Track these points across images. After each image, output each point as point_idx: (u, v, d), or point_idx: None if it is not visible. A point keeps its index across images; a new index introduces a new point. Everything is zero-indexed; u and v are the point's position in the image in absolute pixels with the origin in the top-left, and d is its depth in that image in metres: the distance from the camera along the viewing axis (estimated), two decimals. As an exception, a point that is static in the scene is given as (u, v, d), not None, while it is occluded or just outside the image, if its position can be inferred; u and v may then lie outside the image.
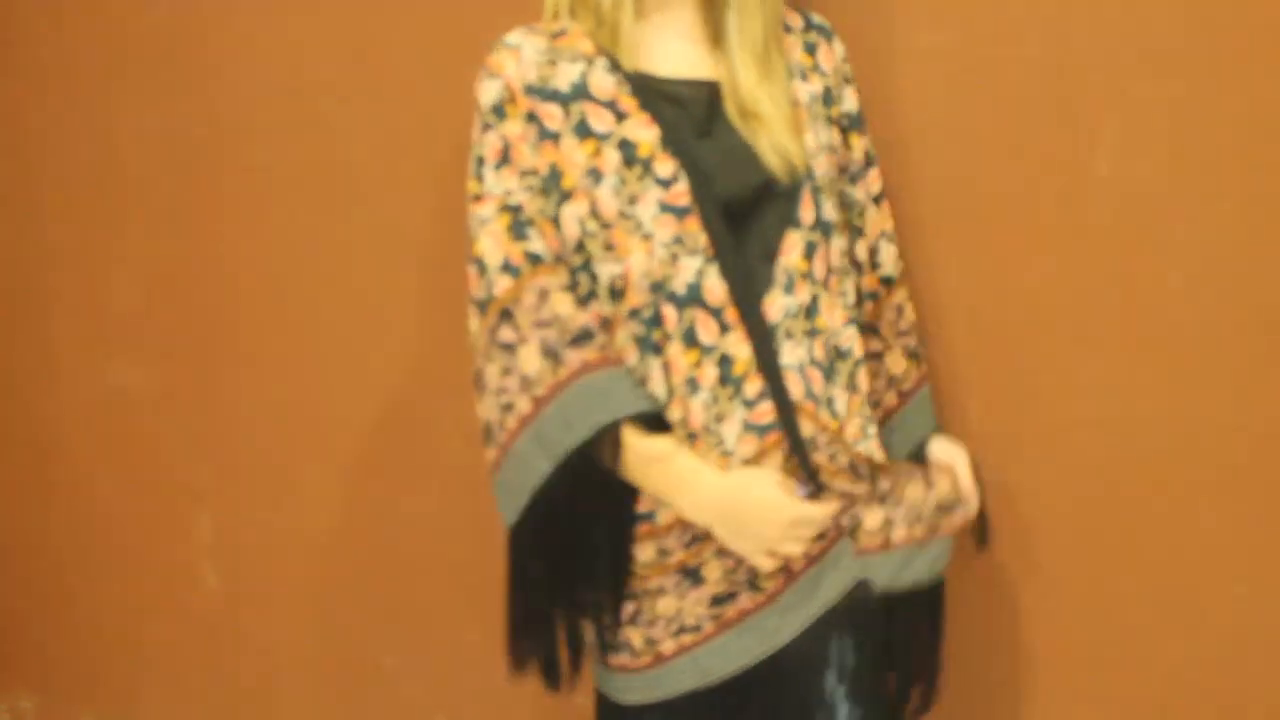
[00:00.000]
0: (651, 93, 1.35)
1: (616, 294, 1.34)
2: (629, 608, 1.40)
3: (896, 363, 1.54)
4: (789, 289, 1.35)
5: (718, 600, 1.38)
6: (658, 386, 1.34)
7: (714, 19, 1.39)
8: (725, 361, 1.33)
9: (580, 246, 1.34)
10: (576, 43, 1.36)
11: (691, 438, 1.34)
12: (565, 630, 1.43)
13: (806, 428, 1.36)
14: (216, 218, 2.03)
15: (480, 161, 1.36)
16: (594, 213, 1.32)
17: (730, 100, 1.37)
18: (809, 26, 1.46)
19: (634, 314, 1.34)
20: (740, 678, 1.39)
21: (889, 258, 1.54)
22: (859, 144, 1.49)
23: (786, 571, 1.38)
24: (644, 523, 1.37)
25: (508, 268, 1.33)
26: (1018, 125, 1.63)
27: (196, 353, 2.08)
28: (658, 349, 1.34)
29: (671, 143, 1.33)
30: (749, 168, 1.35)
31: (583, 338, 1.32)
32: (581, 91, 1.34)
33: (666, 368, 1.34)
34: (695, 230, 1.32)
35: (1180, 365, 1.62)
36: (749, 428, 1.34)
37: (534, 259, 1.33)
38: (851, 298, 1.44)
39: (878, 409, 1.52)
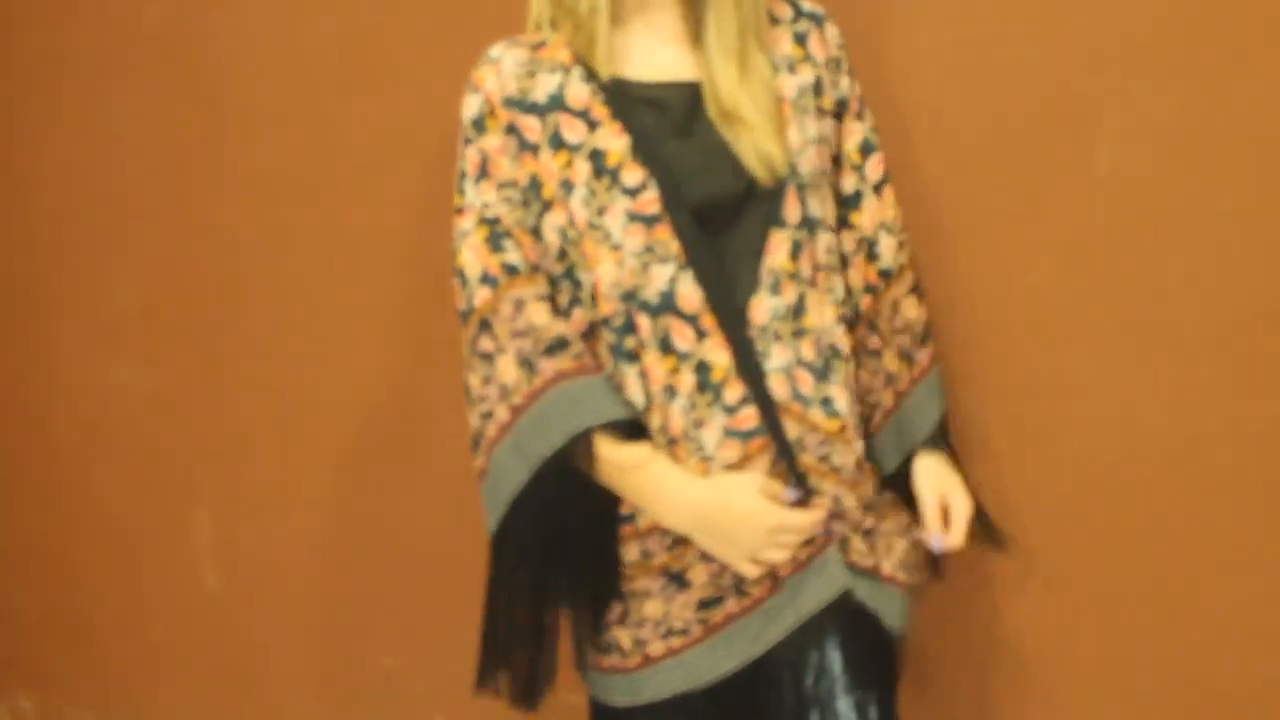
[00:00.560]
0: (628, 99, 1.35)
1: (590, 302, 1.35)
2: (617, 608, 1.40)
3: (891, 361, 1.51)
4: (775, 290, 1.35)
5: (705, 604, 1.38)
6: (635, 393, 1.35)
7: (694, 19, 1.39)
8: (703, 368, 1.33)
9: (563, 254, 1.35)
10: (556, 53, 1.37)
11: (671, 444, 1.34)
12: (537, 645, 1.42)
13: (792, 430, 1.35)
14: (216, 218, 2.03)
15: (463, 175, 1.38)
16: (571, 222, 1.34)
17: (711, 102, 1.36)
18: (799, 15, 1.44)
19: (605, 322, 1.35)
20: (727, 681, 1.38)
21: (888, 249, 1.49)
22: (857, 129, 1.47)
23: (772, 577, 1.37)
24: (626, 524, 1.38)
25: (486, 279, 1.35)
26: (1018, 125, 1.63)
27: (196, 353, 2.08)
28: (631, 356, 1.34)
29: (642, 150, 1.33)
30: (729, 170, 1.35)
31: (557, 347, 1.33)
32: (558, 102, 1.35)
33: (644, 375, 1.34)
34: (666, 238, 1.32)
35: (1180, 365, 1.62)
36: (730, 434, 1.34)
37: (510, 270, 1.35)
38: (840, 293, 1.43)
39: (877, 409, 1.51)
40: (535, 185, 1.35)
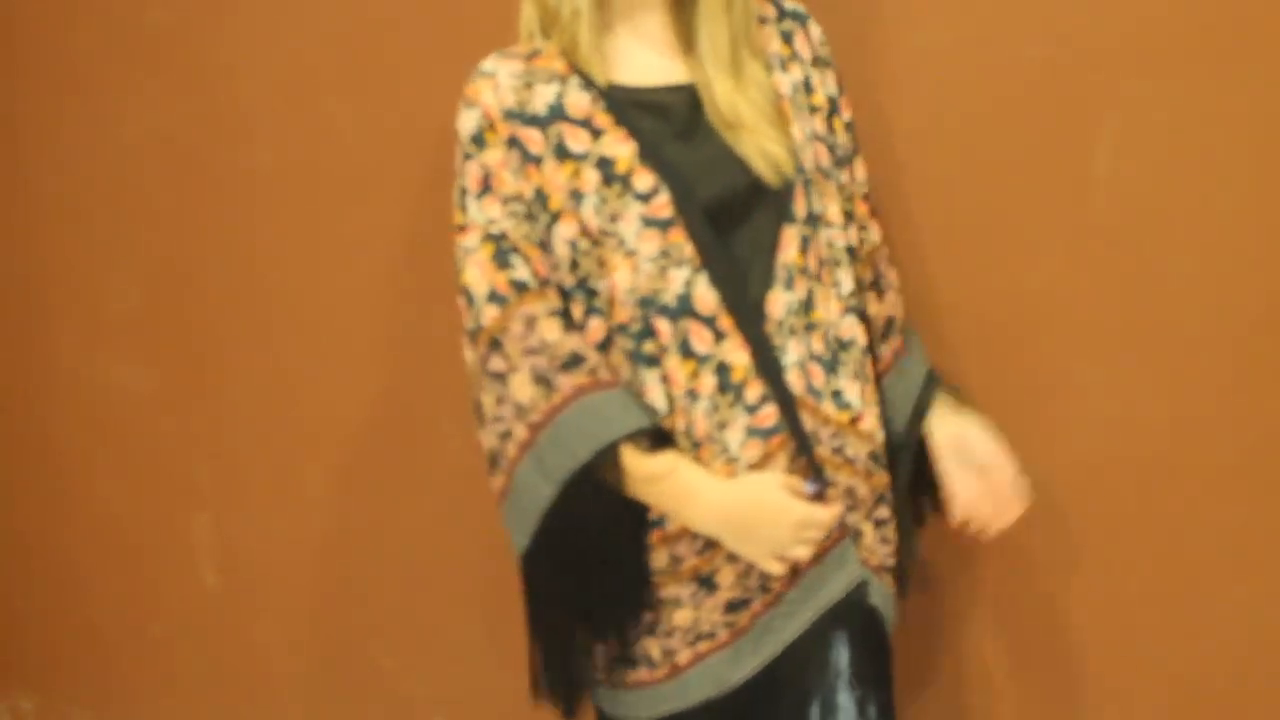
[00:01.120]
0: (629, 105, 1.35)
1: (607, 310, 1.35)
2: (646, 617, 1.40)
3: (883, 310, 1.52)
4: (789, 285, 1.35)
5: (732, 606, 1.38)
6: (656, 398, 1.34)
7: (682, 24, 1.39)
8: (723, 369, 1.34)
9: (574, 265, 1.35)
10: (551, 63, 1.36)
11: (696, 447, 1.34)
12: (580, 653, 1.43)
13: (807, 423, 1.36)
14: (216, 218, 2.03)
15: (463, 192, 1.37)
16: (584, 231, 1.33)
17: (710, 110, 1.37)
18: (783, 15, 1.44)
19: (622, 329, 1.35)
20: (748, 681, 1.39)
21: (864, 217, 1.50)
22: (839, 125, 1.47)
23: (792, 570, 1.38)
24: (655, 529, 1.37)
25: (494, 297, 1.34)
26: (1018, 125, 1.63)
27: (196, 353, 2.08)
28: (651, 361, 1.34)
29: (650, 155, 1.33)
30: (736, 169, 1.35)
31: (573, 363, 1.32)
32: (558, 113, 1.34)
33: (665, 380, 1.34)
34: (680, 241, 1.32)
35: (1180, 365, 1.62)
36: (753, 433, 1.34)
37: (520, 286, 1.33)
38: (846, 287, 1.43)
39: (879, 363, 1.50)
40: (541, 198, 1.34)
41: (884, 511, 1.44)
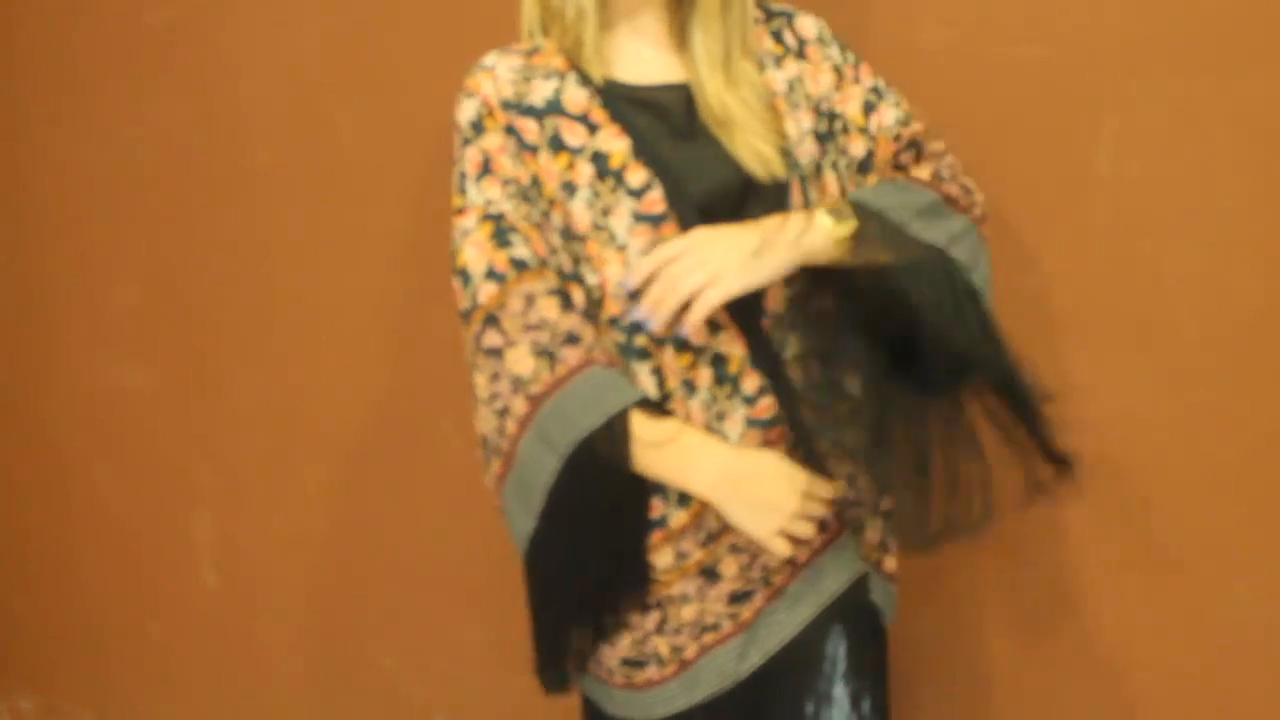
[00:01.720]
0: (625, 102, 1.36)
1: (595, 303, 1.35)
2: (654, 616, 1.39)
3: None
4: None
5: (735, 598, 1.39)
6: (649, 389, 1.35)
7: (678, 23, 1.40)
8: (719, 361, 1.34)
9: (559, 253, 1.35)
10: (549, 59, 1.38)
11: None
12: (582, 636, 1.42)
13: (811, 416, 1.36)
14: (216, 218, 2.03)
15: (462, 176, 1.37)
16: (571, 225, 1.33)
17: (702, 108, 1.38)
18: (770, 15, 1.45)
19: (613, 322, 1.35)
20: (750, 676, 1.39)
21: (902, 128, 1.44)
22: (855, 93, 1.43)
23: (792, 563, 1.38)
24: (657, 529, 1.37)
25: (492, 274, 1.33)
26: (1018, 125, 1.63)
27: (196, 353, 2.09)
28: (642, 354, 1.34)
29: (644, 151, 1.33)
30: (729, 167, 1.36)
31: (572, 340, 1.32)
32: (555, 106, 1.35)
33: (659, 371, 1.34)
34: (672, 236, 1.33)
35: (1180, 364, 1.62)
36: (752, 423, 1.35)
37: (519, 264, 1.33)
38: None
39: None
40: (537, 184, 1.34)
41: (887, 503, 1.44)
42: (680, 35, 1.40)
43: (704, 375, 1.34)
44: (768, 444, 1.35)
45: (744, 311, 1.34)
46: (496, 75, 1.37)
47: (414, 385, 1.96)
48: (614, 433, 1.30)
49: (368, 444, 2.01)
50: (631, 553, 1.37)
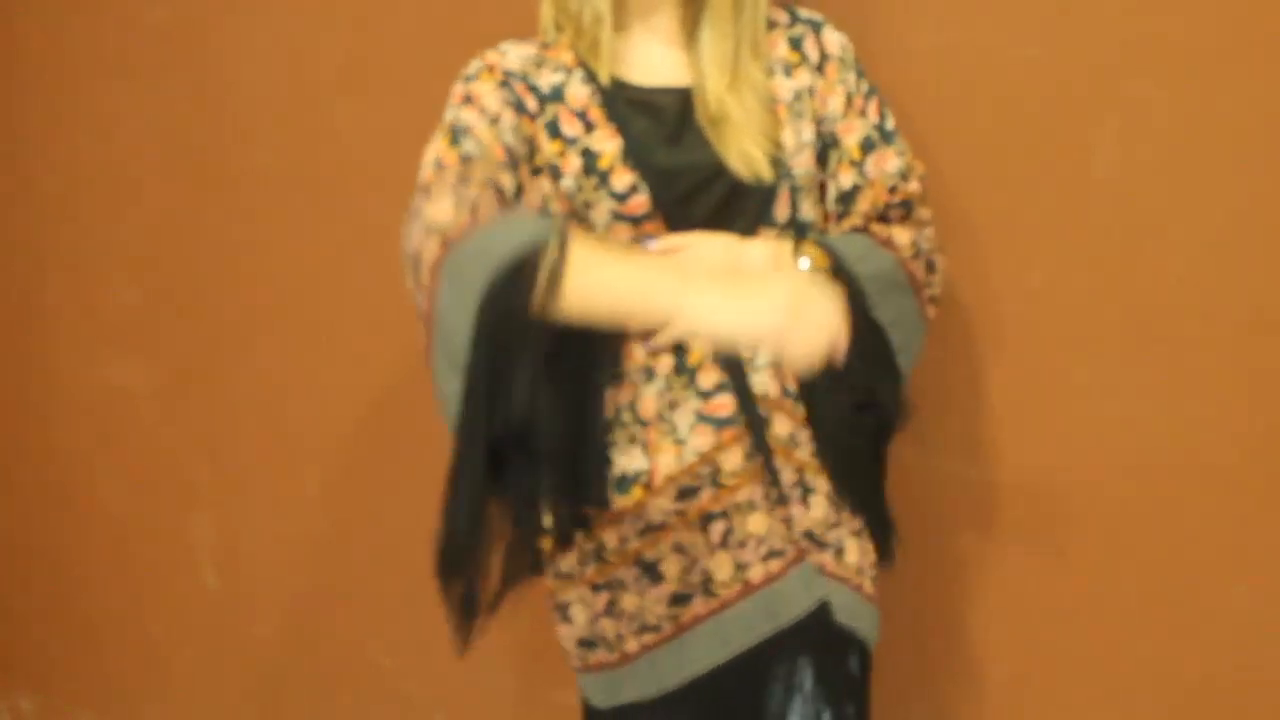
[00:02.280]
0: (625, 102, 1.37)
1: None
2: (604, 596, 1.39)
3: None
4: None
5: (675, 600, 1.37)
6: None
7: (691, 21, 1.40)
8: (680, 350, 1.34)
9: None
10: (560, 54, 1.39)
11: (643, 426, 1.34)
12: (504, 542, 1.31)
13: (785, 426, 1.35)
14: (216, 217, 2.03)
15: (446, 111, 1.37)
16: (545, 205, 1.35)
17: (700, 107, 1.38)
18: (795, 21, 1.44)
19: None
20: (701, 690, 1.37)
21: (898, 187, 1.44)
22: (858, 126, 1.42)
23: (744, 582, 1.36)
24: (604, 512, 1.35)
25: (437, 164, 1.31)
26: (1017, 125, 1.63)
27: (196, 352, 2.09)
28: None
29: (634, 154, 1.34)
30: (717, 172, 1.36)
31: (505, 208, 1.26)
32: (558, 96, 1.37)
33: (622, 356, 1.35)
34: (653, 231, 1.34)
35: (1180, 365, 1.62)
36: (703, 418, 1.34)
37: (465, 159, 1.30)
38: None
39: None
40: (532, 148, 1.35)
41: (836, 534, 1.40)
42: (692, 33, 1.40)
43: (664, 363, 1.35)
44: (719, 446, 1.34)
45: None
46: (506, 54, 1.39)
47: (414, 385, 1.95)
48: (554, 255, 1.15)
49: (368, 444, 2.01)
50: (581, 414, 1.27)
